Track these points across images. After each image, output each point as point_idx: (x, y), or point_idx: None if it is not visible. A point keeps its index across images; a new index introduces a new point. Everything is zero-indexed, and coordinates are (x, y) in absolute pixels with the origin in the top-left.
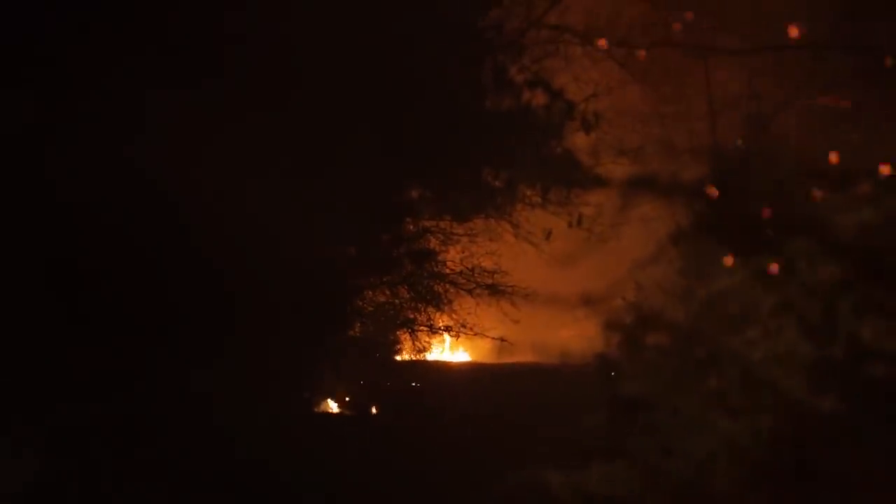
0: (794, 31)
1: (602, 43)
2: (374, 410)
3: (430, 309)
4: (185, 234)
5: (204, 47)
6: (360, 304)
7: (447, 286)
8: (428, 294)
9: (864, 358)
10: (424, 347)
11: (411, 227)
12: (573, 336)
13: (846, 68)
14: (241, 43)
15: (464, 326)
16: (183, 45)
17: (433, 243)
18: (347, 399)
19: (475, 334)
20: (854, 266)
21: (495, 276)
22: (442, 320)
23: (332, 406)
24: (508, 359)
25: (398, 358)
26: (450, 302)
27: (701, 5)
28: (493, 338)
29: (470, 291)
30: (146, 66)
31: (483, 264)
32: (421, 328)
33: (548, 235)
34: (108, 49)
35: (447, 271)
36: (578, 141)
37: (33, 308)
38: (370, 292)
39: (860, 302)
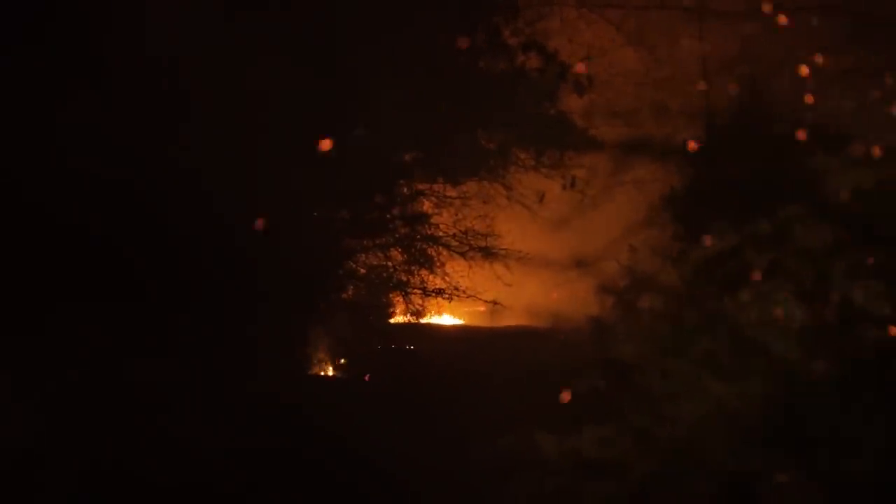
0: None
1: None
2: (367, 373)
3: (423, 271)
4: (177, 198)
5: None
6: (353, 266)
7: (440, 249)
8: (421, 257)
9: (856, 322)
10: (418, 310)
11: (405, 189)
12: (566, 299)
13: (842, 32)
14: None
15: (457, 289)
16: None
17: (426, 206)
18: (341, 362)
19: (468, 297)
20: (847, 230)
21: (488, 238)
22: (435, 283)
23: (326, 369)
24: (501, 322)
25: (391, 321)
26: (443, 265)
27: None
28: (487, 301)
29: (463, 254)
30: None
31: (476, 227)
32: (414, 291)
33: (541, 198)
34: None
35: (440, 234)
36: (572, 103)
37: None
38: (363, 255)
39: (853, 266)
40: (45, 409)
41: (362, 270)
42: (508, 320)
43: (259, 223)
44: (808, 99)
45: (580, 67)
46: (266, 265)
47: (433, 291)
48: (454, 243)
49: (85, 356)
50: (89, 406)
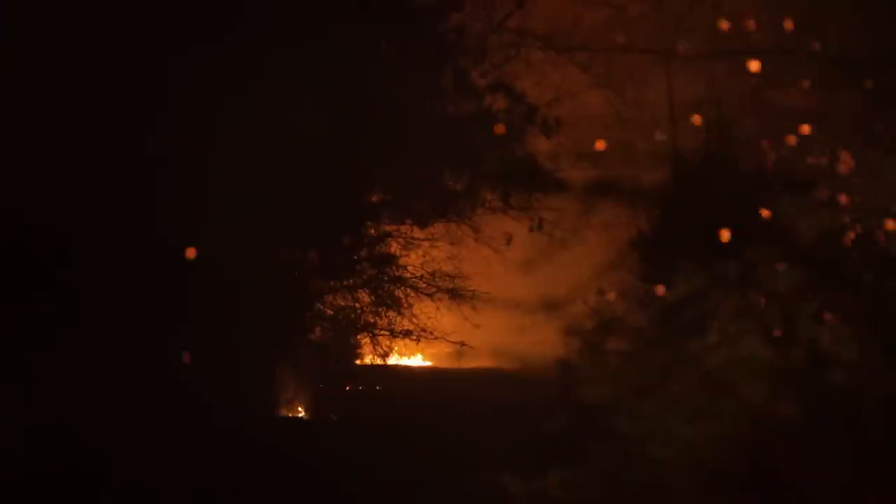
0: (755, 37)
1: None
2: (334, 414)
3: (390, 313)
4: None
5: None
6: (321, 307)
7: (408, 290)
8: (388, 298)
9: (823, 364)
10: (385, 352)
11: (372, 230)
12: (534, 340)
13: (808, 74)
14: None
15: (424, 331)
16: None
17: (394, 247)
18: (308, 403)
19: (435, 338)
20: (814, 272)
21: (456, 280)
22: (402, 324)
23: (294, 410)
24: (469, 363)
25: (359, 362)
26: (410, 306)
27: (661, 10)
28: (454, 342)
29: (430, 296)
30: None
31: (444, 268)
32: (381, 332)
33: (508, 240)
34: None
35: (408, 275)
36: (539, 145)
37: None
38: (331, 296)
39: (820, 308)
40: None
41: (330, 312)
42: (476, 362)
43: (225, 264)
44: (775, 141)
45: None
46: (233, 306)
47: (401, 333)
48: (422, 285)
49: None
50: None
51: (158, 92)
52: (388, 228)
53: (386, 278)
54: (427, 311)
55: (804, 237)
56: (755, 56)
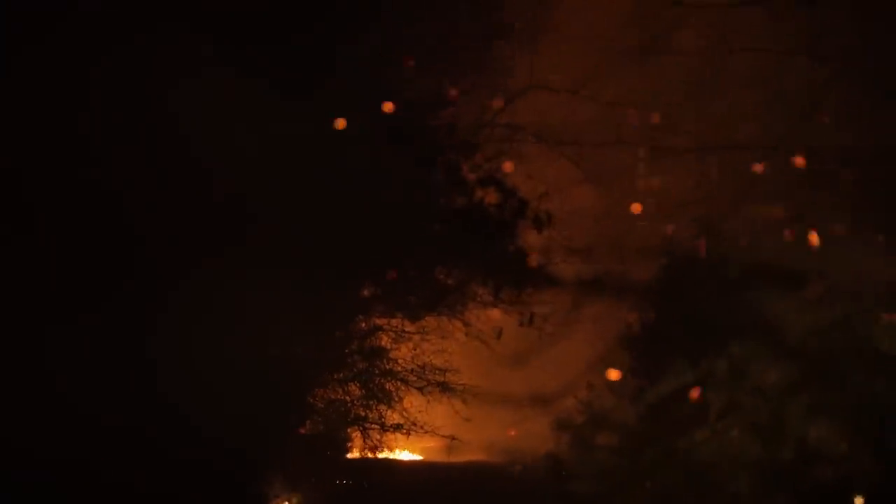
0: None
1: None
2: None
3: (380, 406)
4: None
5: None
6: (311, 400)
7: (398, 384)
8: (379, 391)
9: (812, 461)
10: (375, 445)
11: (363, 324)
12: (524, 435)
13: (794, 172)
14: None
15: (414, 424)
16: None
17: (385, 341)
18: (298, 497)
19: (426, 432)
20: (803, 369)
21: (446, 374)
22: (393, 418)
23: None
24: (459, 457)
25: (349, 456)
26: (401, 399)
27: (651, 106)
28: (444, 436)
29: (421, 389)
30: None
31: (434, 362)
32: (372, 426)
33: (499, 334)
34: None
35: (398, 369)
36: (530, 239)
37: None
38: (321, 389)
39: (809, 405)
40: None
41: (320, 405)
42: (466, 456)
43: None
44: (765, 236)
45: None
46: (224, 398)
47: (391, 426)
48: (412, 378)
49: None
50: None
51: None
52: (378, 322)
53: (376, 371)
54: (417, 405)
55: (793, 333)
56: (742, 152)
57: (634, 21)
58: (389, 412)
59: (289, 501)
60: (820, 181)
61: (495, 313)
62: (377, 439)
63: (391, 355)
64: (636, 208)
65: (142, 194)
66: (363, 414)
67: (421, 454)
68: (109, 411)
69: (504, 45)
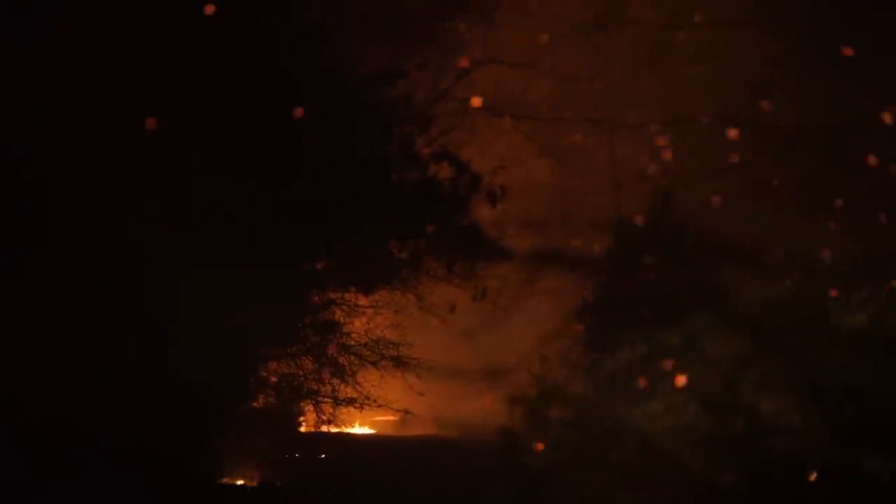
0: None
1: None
2: (278, 482)
3: (334, 380)
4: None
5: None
6: (264, 374)
7: (351, 357)
8: (332, 365)
9: (765, 434)
10: (329, 419)
11: (316, 298)
12: (477, 408)
13: (751, 145)
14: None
15: (368, 398)
16: None
17: (338, 315)
18: (251, 471)
19: (379, 406)
20: (756, 342)
21: (400, 348)
22: (346, 392)
23: (236, 478)
24: (412, 431)
25: (302, 430)
26: (354, 374)
27: (607, 80)
28: (397, 410)
29: (374, 363)
30: None
31: (387, 336)
32: (325, 400)
33: (452, 308)
34: None
35: (352, 343)
36: (484, 213)
37: None
38: (274, 363)
39: (762, 378)
40: None
41: (273, 379)
42: (419, 430)
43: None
44: (718, 210)
45: (492, 178)
46: (174, 373)
47: (344, 400)
48: (365, 352)
49: None
50: None
51: None
52: (332, 296)
53: (329, 345)
54: (371, 379)
55: (746, 306)
56: (697, 125)
57: None
58: (343, 386)
59: (242, 475)
60: (775, 155)
61: (449, 287)
62: (330, 413)
63: (344, 329)
64: (591, 182)
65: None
66: (316, 388)
67: (374, 428)
68: (55, 387)
69: (459, 18)
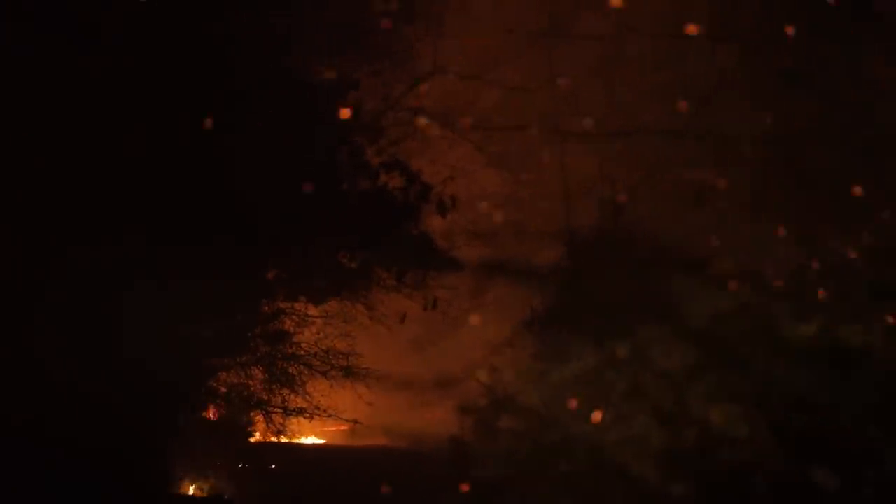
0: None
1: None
2: (227, 492)
3: (284, 390)
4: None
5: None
6: (215, 384)
7: (302, 368)
8: (282, 376)
9: (714, 445)
10: (279, 429)
11: (266, 308)
12: (427, 418)
13: (700, 153)
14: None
15: (318, 408)
16: None
17: (288, 325)
18: (201, 480)
19: (329, 416)
20: (705, 353)
21: (350, 358)
22: (296, 402)
23: (186, 488)
24: (362, 441)
25: (253, 440)
26: (304, 384)
27: (556, 90)
28: (347, 420)
29: (324, 373)
30: None
31: (338, 346)
32: (275, 410)
33: (402, 318)
34: None
35: (302, 353)
36: (434, 224)
37: None
38: (224, 373)
39: (711, 389)
40: None
41: (223, 389)
42: (369, 440)
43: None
44: (667, 220)
45: (443, 187)
46: (126, 382)
47: (294, 411)
48: (316, 362)
49: None
50: None
51: None
52: (282, 306)
53: (280, 355)
54: (321, 389)
55: (696, 317)
56: (646, 135)
57: (539, 5)
58: (293, 396)
59: (194, 484)
60: (723, 164)
61: (399, 297)
62: (280, 423)
63: (295, 339)
64: (541, 191)
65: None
66: (266, 398)
67: (324, 438)
68: (4, 395)
69: (410, 29)
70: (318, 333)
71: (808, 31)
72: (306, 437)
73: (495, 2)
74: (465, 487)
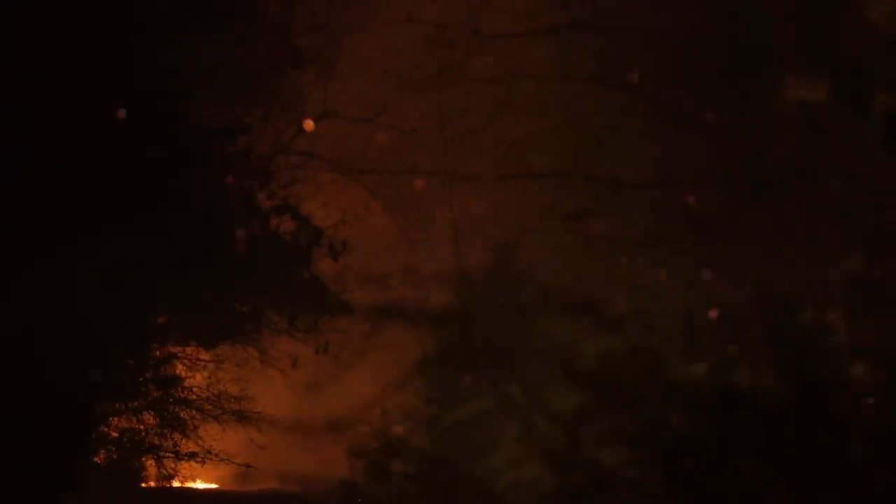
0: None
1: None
2: None
3: (175, 435)
4: None
5: None
6: (105, 429)
7: (193, 412)
8: (173, 420)
9: (605, 486)
10: (170, 474)
11: (157, 352)
12: (318, 462)
13: (590, 197)
14: None
15: (210, 452)
16: None
17: (179, 369)
18: None
19: (221, 460)
20: (597, 395)
21: (242, 402)
22: (188, 446)
23: None
24: (254, 485)
25: (143, 485)
26: (196, 428)
27: (447, 134)
28: (239, 464)
29: (216, 417)
30: None
31: (229, 390)
32: (167, 454)
33: (295, 362)
34: None
35: (193, 397)
36: (326, 267)
37: None
38: (115, 418)
39: (602, 430)
40: None
41: (114, 434)
42: (261, 483)
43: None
44: (558, 262)
45: (334, 231)
46: (13, 426)
47: (186, 455)
48: (207, 406)
49: None
50: None
51: None
52: (173, 350)
53: (171, 400)
54: (213, 433)
55: (587, 360)
56: (536, 179)
57: (431, 49)
58: (184, 440)
59: None
60: (614, 208)
61: (291, 341)
62: (172, 468)
63: (186, 383)
64: (431, 235)
65: None
66: (157, 442)
67: (216, 482)
68: None
69: (300, 72)
70: (210, 377)
71: (696, 73)
72: (198, 481)
73: (385, 46)
74: None
